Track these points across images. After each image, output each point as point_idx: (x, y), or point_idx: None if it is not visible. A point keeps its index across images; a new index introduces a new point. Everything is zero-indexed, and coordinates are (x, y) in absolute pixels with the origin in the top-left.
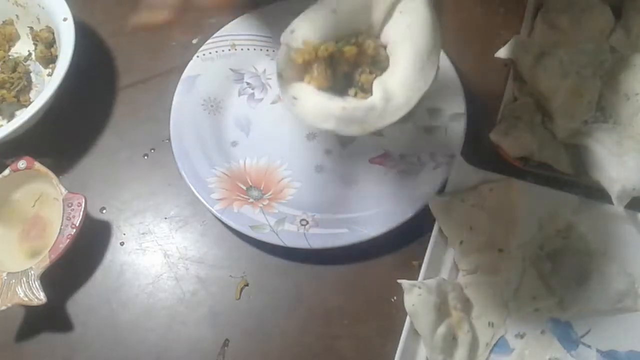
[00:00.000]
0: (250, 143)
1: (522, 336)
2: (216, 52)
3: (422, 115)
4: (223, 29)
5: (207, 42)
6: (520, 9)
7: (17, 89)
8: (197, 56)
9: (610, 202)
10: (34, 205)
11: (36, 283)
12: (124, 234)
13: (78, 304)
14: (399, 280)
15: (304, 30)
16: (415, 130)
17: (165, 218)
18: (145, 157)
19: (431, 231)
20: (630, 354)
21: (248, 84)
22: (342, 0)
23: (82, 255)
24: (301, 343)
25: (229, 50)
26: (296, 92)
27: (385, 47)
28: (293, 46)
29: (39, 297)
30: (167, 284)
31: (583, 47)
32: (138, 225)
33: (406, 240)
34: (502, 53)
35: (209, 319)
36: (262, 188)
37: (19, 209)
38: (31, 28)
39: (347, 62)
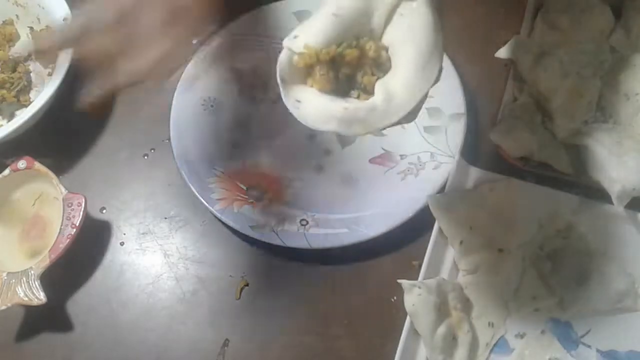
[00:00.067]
0: (250, 143)
1: (522, 336)
2: (216, 52)
3: (422, 115)
4: (223, 29)
5: (207, 42)
6: (520, 9)
7: (17, 89)
8: (197, 56)
9: (610, 202)
10: (34, 205)
11: (36, 283)
12: (124, 234)
13: (78, 304)
14: (399, 280)
15: (306, 35)
16: (415, 130)
17: (165, 218)
18: (145, 157)
19: (431, 231)
20: (630, 354)
21: (248, 84)
22: (342, 3)
23: (82, 255)
24: (301, 343)
25: (229, 50)
26: (299, 95)
27: (387, 49)
28: (295, 50)
29: (39, 297)
30: (167, 284)
31: (583, 47)
32: (138, 225)
33: (406, 240)
34: (502, 53)
35: (209, 319)
36: (262, 188)
37: (19, 208)
38: (31, 28)
39: (349, 65)
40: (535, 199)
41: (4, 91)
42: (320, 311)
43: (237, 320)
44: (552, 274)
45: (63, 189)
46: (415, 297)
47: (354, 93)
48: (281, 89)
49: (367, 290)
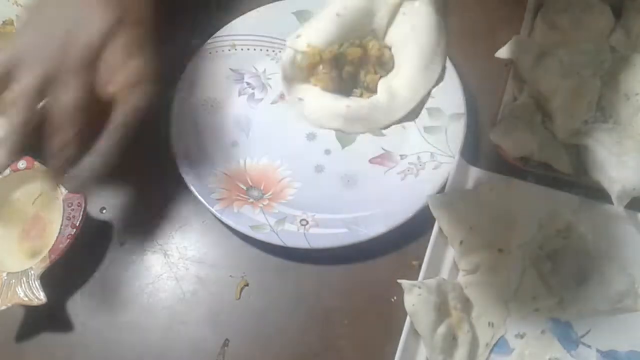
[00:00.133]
0: (250, 143)
1: (522, 336)
2: (216, 52)
3: (422, 115)
4: (223, 29)
5: (207, 42)
6: (520, 9)
7: None
8: (197, 56)
9: (610, 202)
10: (33, 205)
11: (36, 283)
12: (124, 234)
13: (78, 304)
14: (399, 280)
15: (309, 35)
16: (415, 130)
17: (165, 218)
18: (145, 157)
19: (431, 231)
20: (630, 354)
21: (248, 84)
22: (346, 4)
23: (82, 255)
24: (301, 343)
25: (229, 50)
26: (302, 93)
27: (389, 49)
28: (298, 49)
29: (39, 297)
30: (167, 284)
31: (583, 47)
32: (138, 225)
33: (406, 240)
34: (502, 53)
35: (209, 319)
36: (262, 188)
37: (19, 208)
38: None
39: (352, 63)
40: (535, 199)
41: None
42: (320, 311)
43: (237, 320)
44: (552, 274)
45: (63, 189)
46: (415, 297)
47: (357, 92)
48: (284, 87)
49: (367, 290)
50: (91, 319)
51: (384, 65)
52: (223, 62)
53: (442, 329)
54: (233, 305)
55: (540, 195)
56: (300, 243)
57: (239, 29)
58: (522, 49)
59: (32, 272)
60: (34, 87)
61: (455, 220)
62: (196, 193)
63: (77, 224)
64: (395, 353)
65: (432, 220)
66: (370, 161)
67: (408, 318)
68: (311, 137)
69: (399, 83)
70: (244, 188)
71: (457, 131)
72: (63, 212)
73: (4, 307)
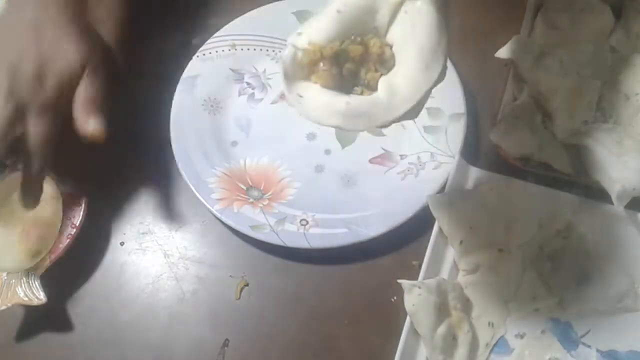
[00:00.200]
0: (250, 143)
1: (522, 336)
2: (216, 52)
3: (422, 115)
4: (223, 29)
5: (207, 42)
6: (520, 9)
7: None
8: (197, 56)
9: (610, 202)
10: None
11: (36, 283)
12: (124, 234)
13: (78, 304)
14: (399, 280)
15: (310, 32)
16: (415, 130)
17: (165, 218)
18: (145, 157)
19: (431, 231)
20: (630, 354)
21: (248, 84)
22: (346, 1)
23: (82, 255)
24: (301, 343)
25: (229, 50)
26: (302, 90)
27: (391, 47)
28: (299, 47)
29: (39, 297)
30: (167, 284)
31: (583, 47)
32: (138, 225)
33: (406, 240)
34: (502, 53)
35: (209, 319)
36: (262, 188)
37: (19, 209)
38: None
39: (353, 61)
40: (535, 199)
41: None
42: (320, 311)
43: (237, 320)
44: (552, 274)
45: (63, 189)
46: (415, 297)
47: (357, 89)
48: (284, 85)
49: (367, 290)
50: (91, 319)
51: (385, 63)
52: (223, 62)
53: (442, 329)
54: (233, 305)
55: (540, 195)
56: (300, 243)
57: (239, 29)
58: (522, 49)
59: (32, 272)
60: (7, 118)
61: (455, 220)
62: (196, 193)
63: (77, 224)
64: (395, 353)
65: (432, 220)
66: (370, 161)
67: (408, 318)
68: (311, 137)
69: (400, 81)
70: (244, 188)
71: (457, 131)
72: (63, 212)
73: (4, 307)
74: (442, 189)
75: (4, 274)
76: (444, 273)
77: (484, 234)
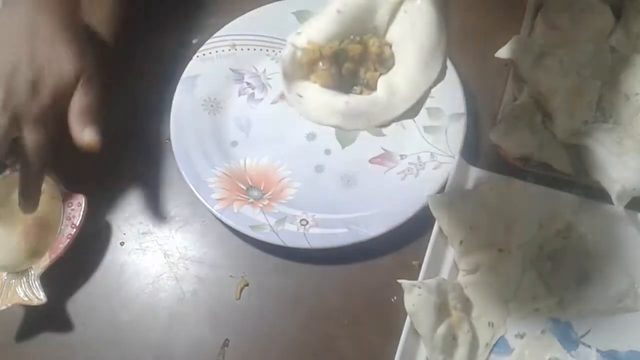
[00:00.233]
0: (250, 143)
1: (522, 336)
2: (216, 52)
3: (422, 115)
4: (223, 29)
5: (207, 42)
6: (520, 9)
7: None
8: (197, 56)
9: (610, 202)
10: None
11: (36, 283)
12: (124, 234)
13: (78, 304)
14: (399, 280)
15: (310, 32)
16: (415, 130)
17: (165, 218)
18: (146, 157)
19: (431, 231)
20: (630, 354)
21: (248, 84)
22: (346, 1)
23: (82, 255)
24: (301, 343)
25: (229, 50)
26: (301, 90)
27: (390, 46)
28: (298, 46)
29: (39, 297)
30: (167, 284)
31: (583, 47)
32: (138, 225)
33: (406, 240)
34: (502, 53)
35: (209, 319)
36: (262, 188)
37: (19, 208)
38: None
39: (352, 60)
40: (535, 199)
41: None
42: (320, 311)
43: (237, 320)
44: (552, 274)
45: (63, 189)
46: (415, 297)
47: (357, 89)
48: (284, 84)
49: (367, 290)
50: (91, 319)
51: (384, 62)
52: (223, 62)
53: (442, 329)
54: (233, 305)
55: (540, 195)
56: (300, 243)
57: (239, 29)
58: (522, 49)
59: (32, 272)
60: (2, 127)
61: (455, 220)
62: (196, 193)
63: (77, 224)
64: (395, 353)
65: (432, 220)
66: (370, 161)
67: (408, 318)
68: (311, 137)
69: (399, 80)
70: (244, 188)
71: (457, 131)
72: (63, 212)
73: (4, 307)
74: (442, 189)
75: (4, 274)
76: (444, 273)
77: (484, 234)
